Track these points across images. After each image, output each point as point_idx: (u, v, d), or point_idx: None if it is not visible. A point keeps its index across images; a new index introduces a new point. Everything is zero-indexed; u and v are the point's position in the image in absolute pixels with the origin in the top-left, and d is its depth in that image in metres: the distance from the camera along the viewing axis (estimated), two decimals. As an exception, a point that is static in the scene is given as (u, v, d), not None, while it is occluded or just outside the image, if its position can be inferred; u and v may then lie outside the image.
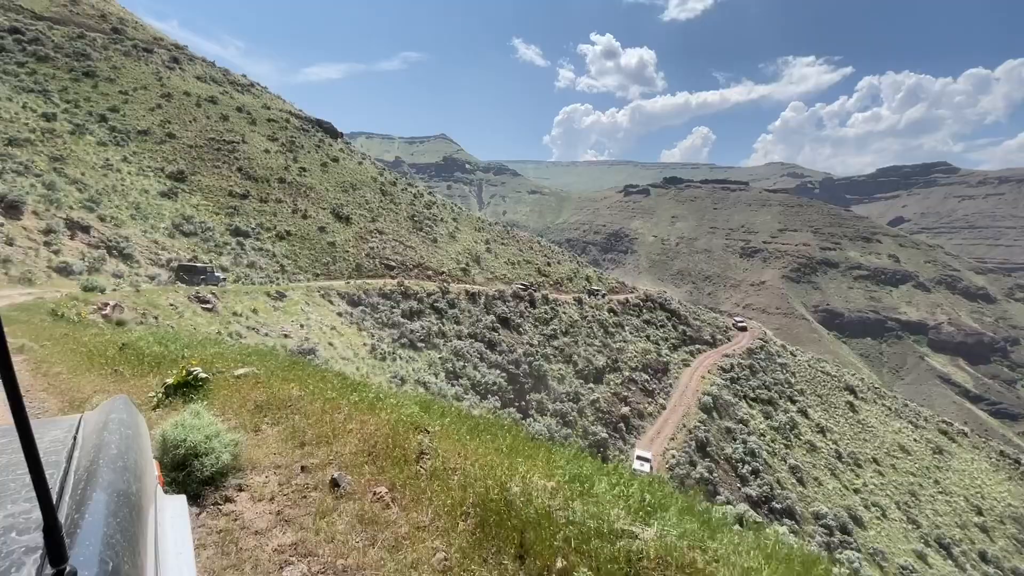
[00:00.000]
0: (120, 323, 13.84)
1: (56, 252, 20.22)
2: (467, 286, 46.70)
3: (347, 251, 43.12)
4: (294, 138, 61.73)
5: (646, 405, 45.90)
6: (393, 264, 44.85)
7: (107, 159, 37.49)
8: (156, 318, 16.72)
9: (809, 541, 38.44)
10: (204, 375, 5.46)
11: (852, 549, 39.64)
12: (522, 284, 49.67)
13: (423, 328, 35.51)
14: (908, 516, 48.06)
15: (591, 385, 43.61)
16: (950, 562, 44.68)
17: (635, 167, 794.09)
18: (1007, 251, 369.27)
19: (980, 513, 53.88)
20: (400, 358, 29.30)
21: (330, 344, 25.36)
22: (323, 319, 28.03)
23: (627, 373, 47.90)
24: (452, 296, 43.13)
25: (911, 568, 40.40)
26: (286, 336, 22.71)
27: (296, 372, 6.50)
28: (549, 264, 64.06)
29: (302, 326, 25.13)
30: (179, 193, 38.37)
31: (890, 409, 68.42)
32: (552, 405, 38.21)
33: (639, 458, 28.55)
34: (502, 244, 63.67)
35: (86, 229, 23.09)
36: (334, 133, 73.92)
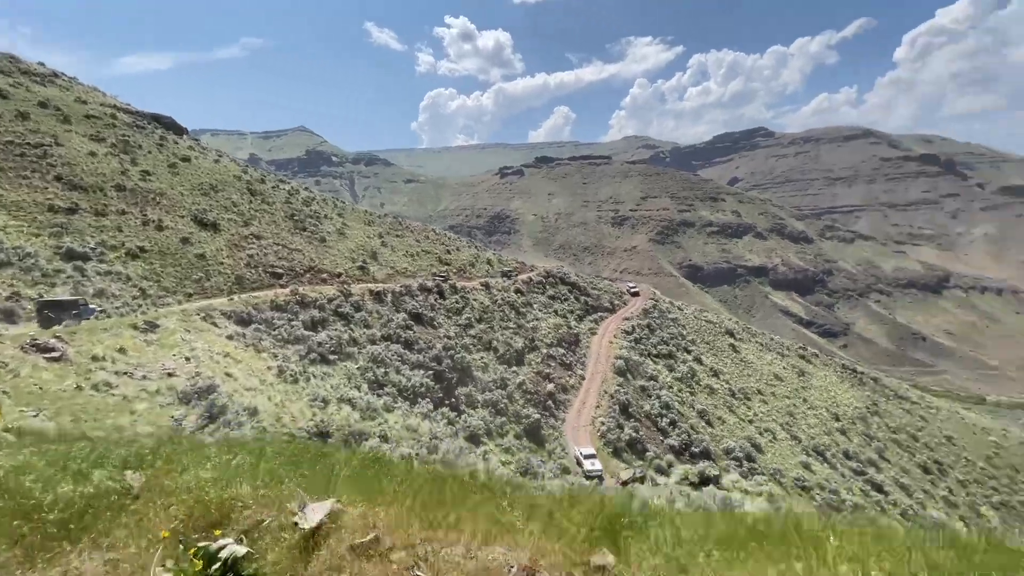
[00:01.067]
0: None
1: None
2: (370, 285, 43.12)
3: (221, 263, 37.11)
4: (127, 137, 51.63)
5: (567, 378, 46.74)
6: (280, 271, 39.70)
7: None
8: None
9: (725, 472, 42.10)
10: (242, 550, 2.81)
11: (758, 474, 44.26)
12: (441, 275, 47.19)
13: (331, 338, 31.82)
14: (791, 434, 55.14)
15: (514, 368, 43.13)
16: (826, 465, 52.07)
17: (506, 149, 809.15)
18: (815, 199, 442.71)
19: (838, 419, 63.85)
20: (314, 376, 25.81)
21: (228, 375, 21.28)
22: (211, 346, 23.53)
23: (545, 350, 48.27)
24: (356, 298, 39.45)
25: (802, 478, 46.22)
26: (170, 375, 18.46)
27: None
28: (449, 252, 62.02)
29: (188, 359, 20.73)
30: (-27, 214, 29.57)
31: (761, 345, 78.34)
32: (481, 396, 36.98)
33: (587, 457, 27.90)
34: (397, 236, 60.11)
35: None
36: (177, 129, 63.36)
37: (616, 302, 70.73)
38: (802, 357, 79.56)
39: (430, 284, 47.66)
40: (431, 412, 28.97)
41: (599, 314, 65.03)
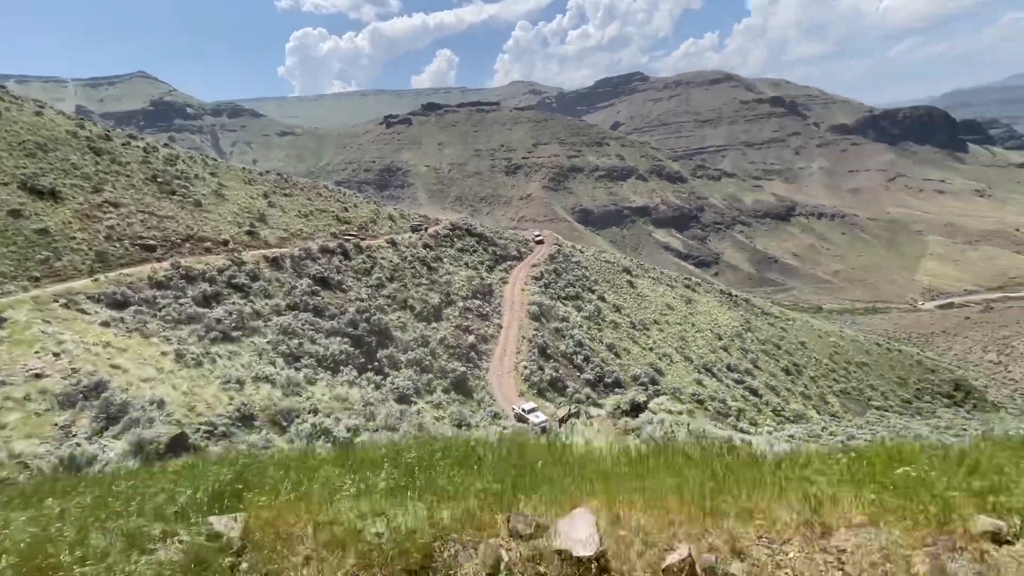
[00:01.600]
0: None
1: None
2: (264, 251, 39.10)
3: (72, 238, 31.12)
4: None
5: (486, 329, 47.23)
6: (153, 243, 34.36)
7: None
8: None
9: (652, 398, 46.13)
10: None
11: (663, 395, 49.16)
12: (350, 234, 43.78)
13: (230, 313, 28.61)
14: (684, 356, 61.60)
15: (434, 324, 42.51)
16: (714, 379, 59.19)
17: (389, 96, 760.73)
18: (687, 140, 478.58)
19: (720, 338, 72.37)
20: (219, 357, 23.20)
21: (114, 368, 18.30)
22: (83, 337, 20.00)
23: (461, 304, 48.04)
24: (250, 267, 35.61)
25: (697, 393, 52.19)
26: (38, 376, 15.41)
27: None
28: (347, 210, 57.96)
29: (57, 355, 17.44)
30: None
31: (654, 279, 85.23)
32: (404, 356, 36.12)
33: (530, 411, 27.30)
34: (285, 195, 54.63)
35: None
36: (-29, 73, 50.05)
37: (523, 250, 71.90)
38: (687, 287, 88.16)
39: (332, 245, 44.43)
40: (356, 379, 27.73)
41: (508, 263, 65.78)
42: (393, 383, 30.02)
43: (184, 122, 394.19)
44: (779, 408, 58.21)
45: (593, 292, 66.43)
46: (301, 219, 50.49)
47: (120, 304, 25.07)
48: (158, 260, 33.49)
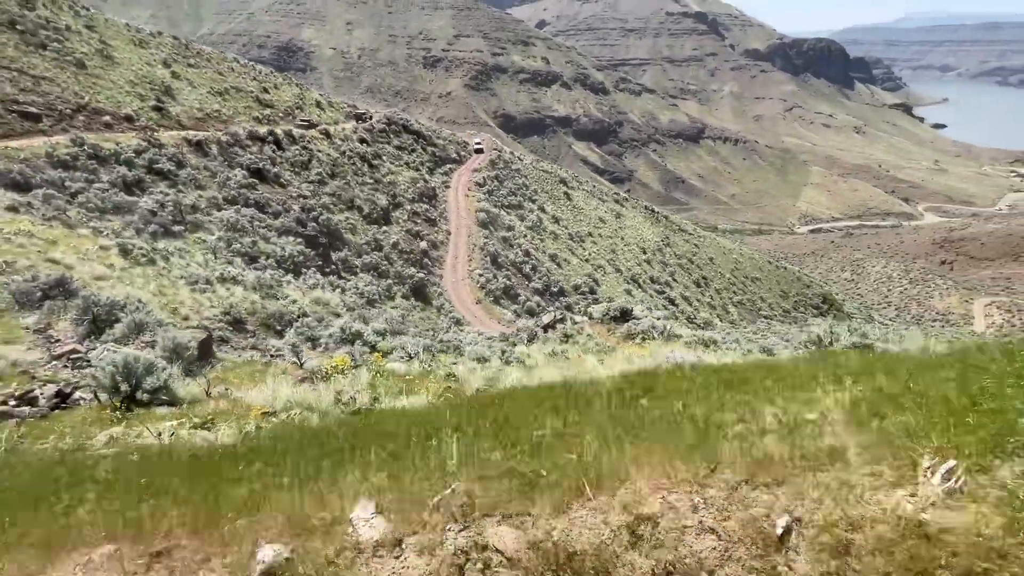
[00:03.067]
0: None
1: None
2: (185, 133, 33.25)
3: (-79, 95, 24.03)
4: None
5: (435, 235, 45.64)
6: (35, 111, 27.58)
7: None
8: None
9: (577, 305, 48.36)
10: None
11: (598, 303, 51.93)
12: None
13: (162, 205, 24.53)
14: (615, 268, 64.98)
15: (384, 228, 40.10)
16: (640, 290, 63.53)
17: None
18: (611, 50, 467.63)
19: (644, 252, 76.88)
20: (169, 254, 20.22)
21: (53, 263, 15.23)
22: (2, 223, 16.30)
23: (409, 207, 45.49)
24: (171, 151, 30.26)
25: (627, 301, 55.78)
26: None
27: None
28: (267, 91, 50.28)
29: (-22, 243, 14.10)
30: None
31: (587, 192, 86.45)
32: (359, 260, 34.08)
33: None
34: (190, 66, 45.77)
35: None
36: None
37: (462, 153, 68.37)
38: (616, 202, 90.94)
39: (262, 132, 38.79)
40: (321, 282, 25.82)
41: (448, 166, 62.51)
42: (357, 288, 28.45)
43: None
44: (692, 316, 64.51)
45: (534, 202, 66.15)
46: (215, 97, 43.07)
47: (20, 186, 20.28)
48: (45, 133, 27.13)
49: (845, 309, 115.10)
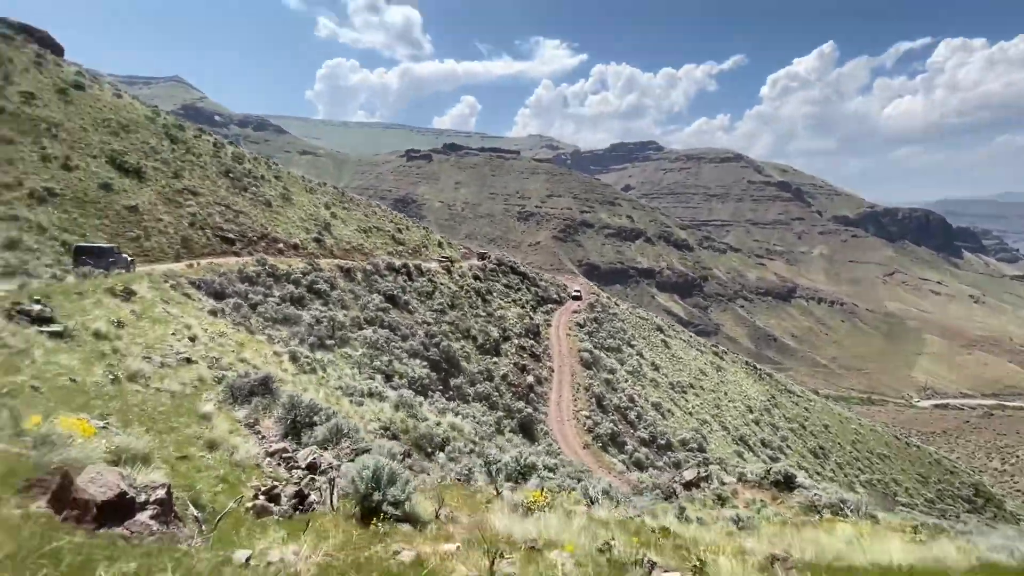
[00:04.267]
0: None
1: None
2: (338, 261, 37.66)
3: (160, 219, 29.60)
4: (-11, 45, 39.65)
5: (539, 370, 45.27)
6: (232, 237, 32.88)
7: None
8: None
9: (687, 462, 43.78)
10: None
11: (711, 464, 46.77)
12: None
13: (319, 320, 26.78)
14: (721, 425, 59.46)
15: (494, 359, 40.58)
16: (751, 454, 56.81)
17: (410, 132, 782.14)
18: (694, 211, 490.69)
19: (751, 411, 70.38)
20: (326, 365, 21.30)
21: (243, 362, 16.46)
22: (203, 324, 18.21)
23: (516, 341, 46.27)
24: (327, 274, 34.03)
25: (741, 466, 49.74)
26: (189, 361, 13.56)
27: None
28: (400, 231, 57.02)
29: (192, 340, 15.61)
30: None
31: (685, 341, 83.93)
32: (472, 388, 34.03)
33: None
34: (344, 209, 53.77)
35: None
36: (56, 47, 50.22)
37: (561, 295, 70.77)
38: (715, 354, 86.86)
39: (397, 264, 43.02)
40: (449, 407, 25.65)
41: (549, 305, 64.43)
42: (474, 416, 27.87)
43: (213, 129, 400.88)
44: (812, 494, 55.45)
45: (632, 347, 64.86)
46: (361, 234, 49.34)
47: (218, 295, 23.28)
48: (237, 254, 31.90)
49: (1007, 507, 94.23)
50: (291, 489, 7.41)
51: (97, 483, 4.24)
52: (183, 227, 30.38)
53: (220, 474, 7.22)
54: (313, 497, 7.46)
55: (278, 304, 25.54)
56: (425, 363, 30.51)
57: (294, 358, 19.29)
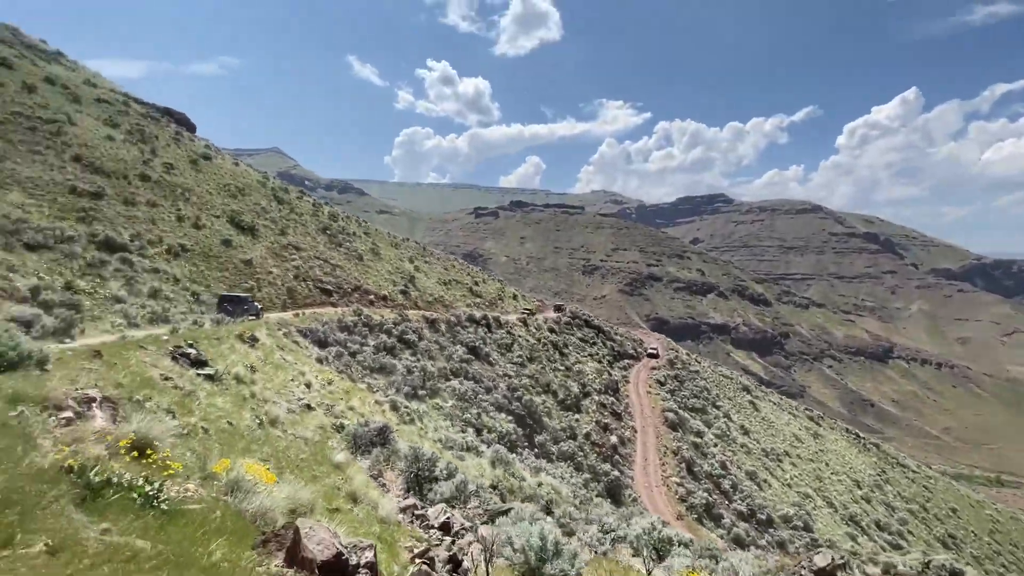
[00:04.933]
0: (142, 450, 5.00)
1: None
2: (424, 312, 38.61)
3: (270, 272, 31.95)
4: (142, 126, 46.13)
5: (622, 430, 42.87)
6: (330, 288, 34.76)
7: None
8: (146, 403, 7.51)
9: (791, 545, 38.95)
10: None
11: (821, 545, 41.26)
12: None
13: (407, 368, 27.08)
14: (826, 500, 52.81)
15: (576, 416, 39.00)
16: (865, 537, 49.63)
17: (478, 191, 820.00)
18: (770, 264, 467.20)
19: (859, 486, 62.26)
20: (422, 415, 21.14)
21: (351, 410, 16.59)
22: (313, 371, 18.75)
23: (596, 397, 44.45)
24: (414, 325, 34.83)
25: (855, 551, 43.47)
26: (309, 408, 13.77)
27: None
28: (477, 284, 58.11)
29: (308, 386, 16.01)
30: (-16, 185, 23.75)
31: (775, 404, 77.16)
32: (555, 447, 32.58)
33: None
34: (425, 262, 55.86)
35: None
36: (189, 125, 57.94)
37: (638, 350, 68.10)
38: (810, 419, 78.83)
39: (477, 316, 43.45)
40: (539, 466, 24.50)
41: (625, 361, 62.01)
42: (563, 477, 26.39)
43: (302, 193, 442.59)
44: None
45: (718, 408, 60.35)
46: (441, 286, 50.70)
47: (321, 343, 24.26)
48: (334, 304, 33.55)
49: None
50: (444, 554, 6.86)
51: (313, 540, 3.95)
52: (289, 279, 32.55)
53: (375, 531, 6.85)
54: (466, 564, 6.86)
55: (374, 353, 26.19)
56: (510, 417, 29.72)
57: (394, 407, 19.32)
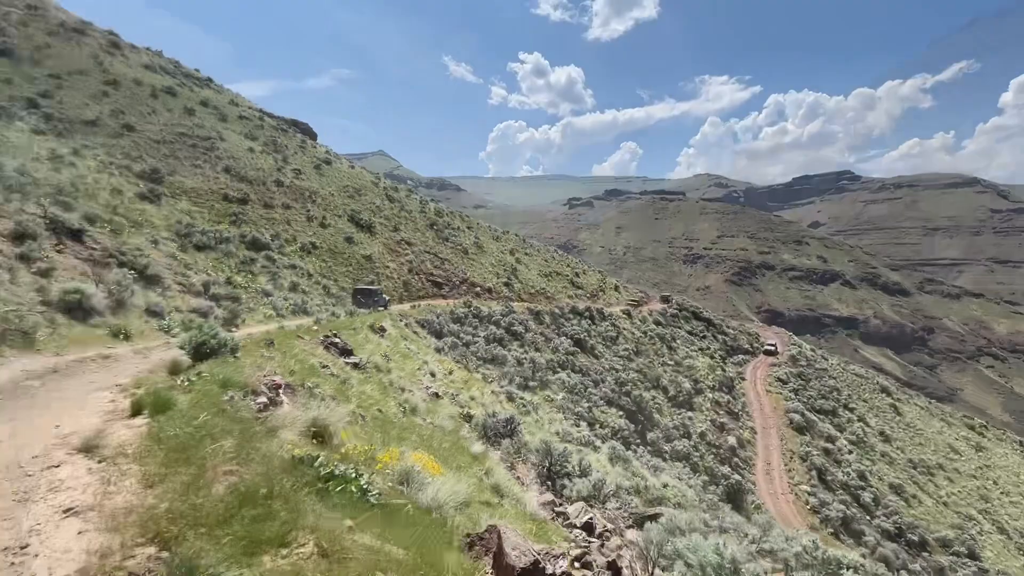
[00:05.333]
0: (320, 434, 5.14)
1: (45, 273, 10.68)
2: (528, 303, 38.82)
3: (387, 266, 33.95)
4: (275, 138, 51.26)
5: (740, 430, 39.85)
6: (440, 281, 36.14)
7: (53, 150, 26.51)
8: (315, 390, 7.96)
9: None
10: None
11: (986, 573, 35.31)
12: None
13: (517, 359, 27.26)
14: (996, 525, 44.95)
15: (688, 413, 36.92)
16: (1053, 572, 41.41)
17: (571, 181, 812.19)
18: (911, 249, 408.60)
19: (1040, 510, 52.14)
20: (536, 408, 21.04)
21: (472, 400, 16.85)
22: (433, 361, 19.36)
23: (710, 395, 41.76)
24: (520, 316, 35.09)
25: (1040, 588, 36.54)
26: (437, 396, 14.11)
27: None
28: (577, 275, 57.26)
29: (433, 375, 16.50)
30: (162, 197, 27.81)
31: (922, 408, 67.34)
32: (668, 446, 31.04)
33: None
34: (526, 254, 56.14)
35: (77, 235, 13.40)
36: (311, 134, 63.55)
37: (754, 344, 62.95)
38: (970, 427, 67.53)
39: (581, 307, 42.78)
40: (656, 465, 23.42)
41: (739, 356, 57.56)
42: (680, 478, 24.99)
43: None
44: None
45: (851, 411, 53.90)
46: (543, 278, 50.65)
47: (437, 332, 25.23)
48: (444, 297, 34.87)
49: None
50: (601, 559, 6.52)
51: (509, 544, 3.74)
52: (403, 272, 34.36)
53: (530, 529, 6.66)
54: (626, 573, 6.46)
55: (486, 344, 26.72)
56: (621, 412, 28.80)
57: (510, 398, 19.43)
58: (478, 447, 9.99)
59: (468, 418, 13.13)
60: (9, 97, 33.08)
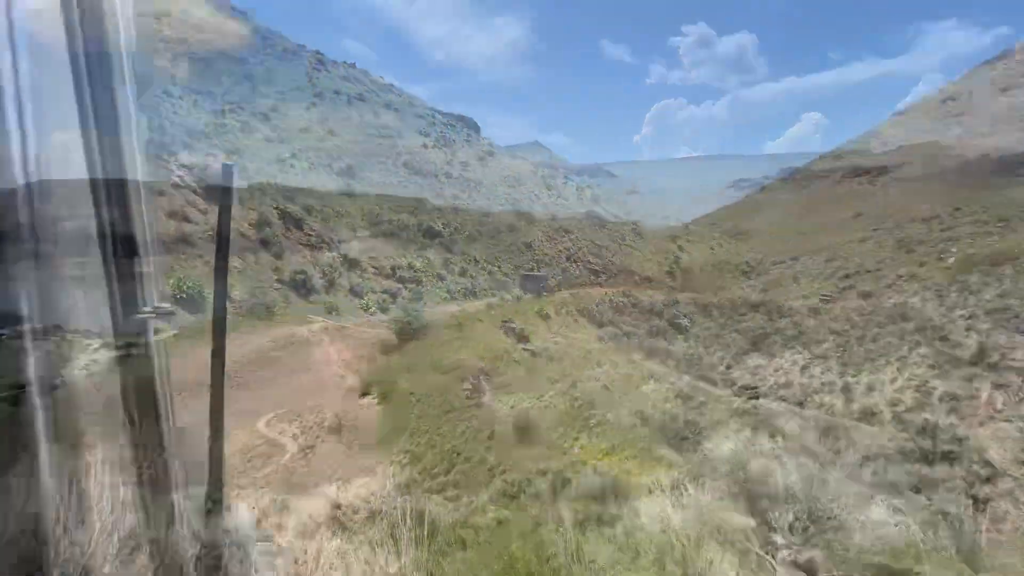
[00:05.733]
0: None
1: (279, 255, 12.46)
2: (694, 295, 35.94)
3: (546, 254, 34.26)
4: (444, 133, 55.15)
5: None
6: (598, 269, 35.35)
7: (277, 155, 31.90)
8: (502, 376, 7.80)
9: None
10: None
11: None
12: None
13: (686, 355, 25.22)
14: None
15: (897, 433, 30.62)
16: None
17: (739, 160, 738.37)
18: None
19: None
20: (710, 410, 19.03)
21: (638, 392, 15.72)
22: (598, 350, 18.59)
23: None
24: (684, 308, 32.57)
25: None
26: (606, 389, 13.26)
27: None
28: (750, 265, 51.36)
29: (599, 365, 15.72)
30: (355, 190, 31.80)
31: None
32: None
33: None
34: (688, 241, 52.15)
35: (299, 223, 15.50)
36: (476, 128, 67.22)
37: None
38: None
39: (754, 300, 38.20)
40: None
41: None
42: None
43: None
44: None
45: None
46: (710, 268, 46.50)
47: (598, 322, 24.59)
48: (601, 285, 34.02)
49: None
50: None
51: None
52: (562, 260, 34.35)
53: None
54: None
55: (648, 337, 25.30)
56: (806, 423, 24.92)
57: (681, 396, 17.85)
58: (664, 450, 9.09)
59: (642, 415, 12.24)
60: (250, 113, 40.88)
